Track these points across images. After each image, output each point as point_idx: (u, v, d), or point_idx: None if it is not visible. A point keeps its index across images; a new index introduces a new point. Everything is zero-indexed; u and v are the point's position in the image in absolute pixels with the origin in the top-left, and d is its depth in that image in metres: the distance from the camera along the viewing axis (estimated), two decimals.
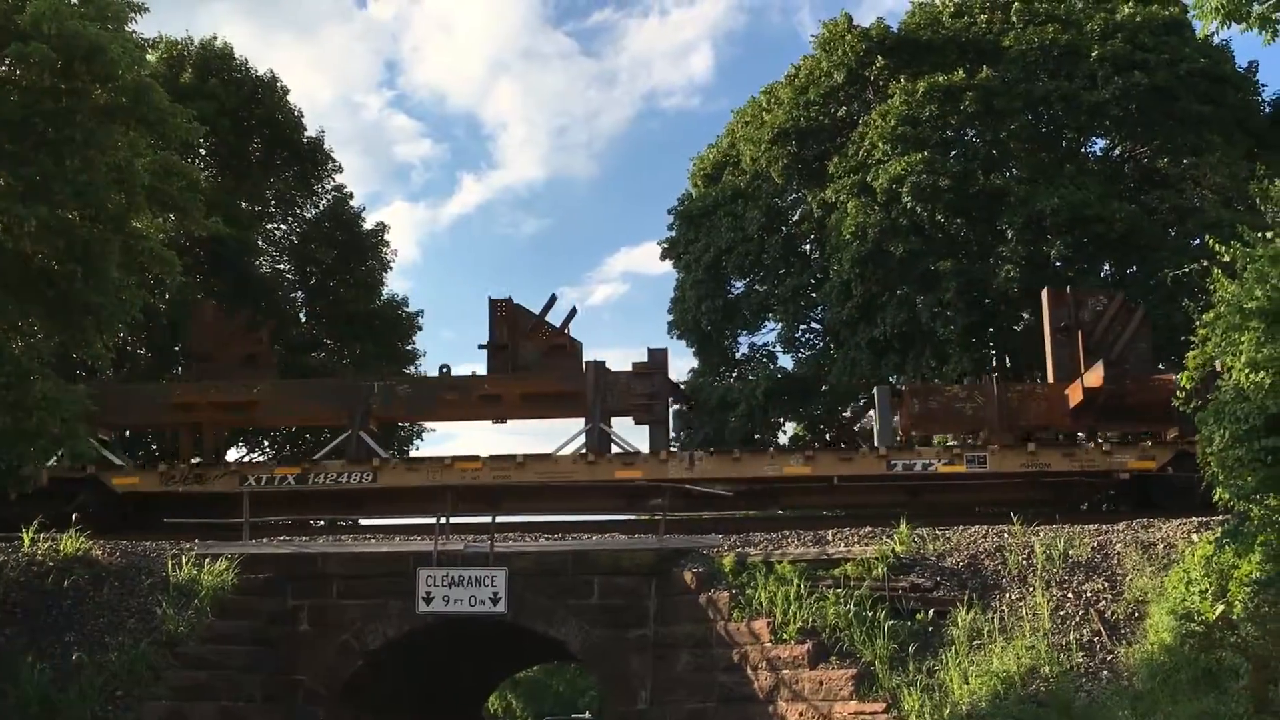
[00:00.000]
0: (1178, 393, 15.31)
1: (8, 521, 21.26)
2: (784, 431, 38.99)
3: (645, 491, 23.90)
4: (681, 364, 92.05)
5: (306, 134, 39.64)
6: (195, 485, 23.75)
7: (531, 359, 25.38)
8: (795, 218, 37.73)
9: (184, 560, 18.59)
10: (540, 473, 23.58)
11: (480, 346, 25.70)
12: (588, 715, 60.22)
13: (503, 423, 26.50)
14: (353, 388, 25.50)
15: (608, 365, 24.87)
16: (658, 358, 25.42)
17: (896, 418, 24.46)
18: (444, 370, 25.70)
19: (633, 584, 18.79)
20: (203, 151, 35.08)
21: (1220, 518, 16.17)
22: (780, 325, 38.99)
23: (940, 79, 32.64)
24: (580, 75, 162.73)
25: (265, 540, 20.74)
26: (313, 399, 26.21)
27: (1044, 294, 25.35)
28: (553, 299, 26.09)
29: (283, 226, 40.19)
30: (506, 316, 25.66)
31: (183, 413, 25.53)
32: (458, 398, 25.26)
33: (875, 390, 25.24)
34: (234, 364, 25.84)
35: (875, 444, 23.88)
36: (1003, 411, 23.48)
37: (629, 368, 25.17)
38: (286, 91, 38.94)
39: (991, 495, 23.50)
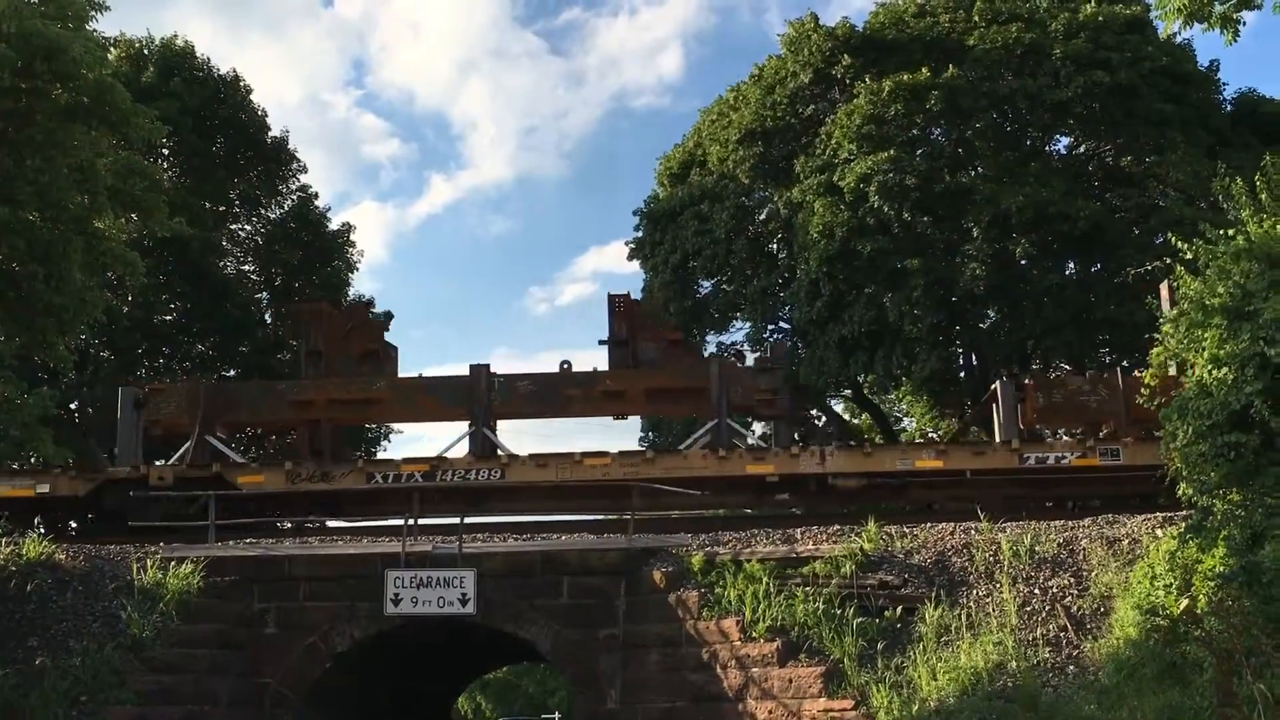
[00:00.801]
0: (1141, 390, 15.44)
1: (126, 519, 21.94)
2: (752, 432, 39.08)
3: (773, 486, 23.88)
4: None
5: (271, 133, 39.44)
6: (321, 483, 23.74)
7: (652, 354, 25.33)
8: (762, 217, 37.76)
9: (148, 563, 18.43)
10: (669, 468, 23.54)
11: (600, 342, 25.90)
12: (557, 716, 60.06)
13: (624, 418, 26.65)
14: (474, 384, 25.41)
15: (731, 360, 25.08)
16: (779, 351, 25.47)
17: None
18: (565, 366, 25.69)
19: (602, 584, 18.77)
20: (165, 151, 34.84)
21: (1184, 513, 16.29)
22: (748, 325, 39.07)
23: (905, 78, 32.74)
24: (549, 75, 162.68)
25: (231, 543, 20.62)
26: (432, 395, 26.12)
27: (1163, 287, 25.30)
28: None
29: (247, 227, 39.98)
30: (625, 312, 25.66)
31: (301, 410, 25.61)
32: (580, 393, 25.41)
33: (999, 384, 25.15)
34: (351, 360, 25.83)
35: (1003, 438, 23.84)
36: (1128, 404, 23.29)
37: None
38: (250, 91, 38.76)
39: (1122, 489, 23.48)
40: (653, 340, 25.54)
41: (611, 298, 26.09)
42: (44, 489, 23.50)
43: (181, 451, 24.94)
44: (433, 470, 23.96)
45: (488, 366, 25.59)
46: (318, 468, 24.27)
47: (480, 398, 24.96)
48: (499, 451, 24.70)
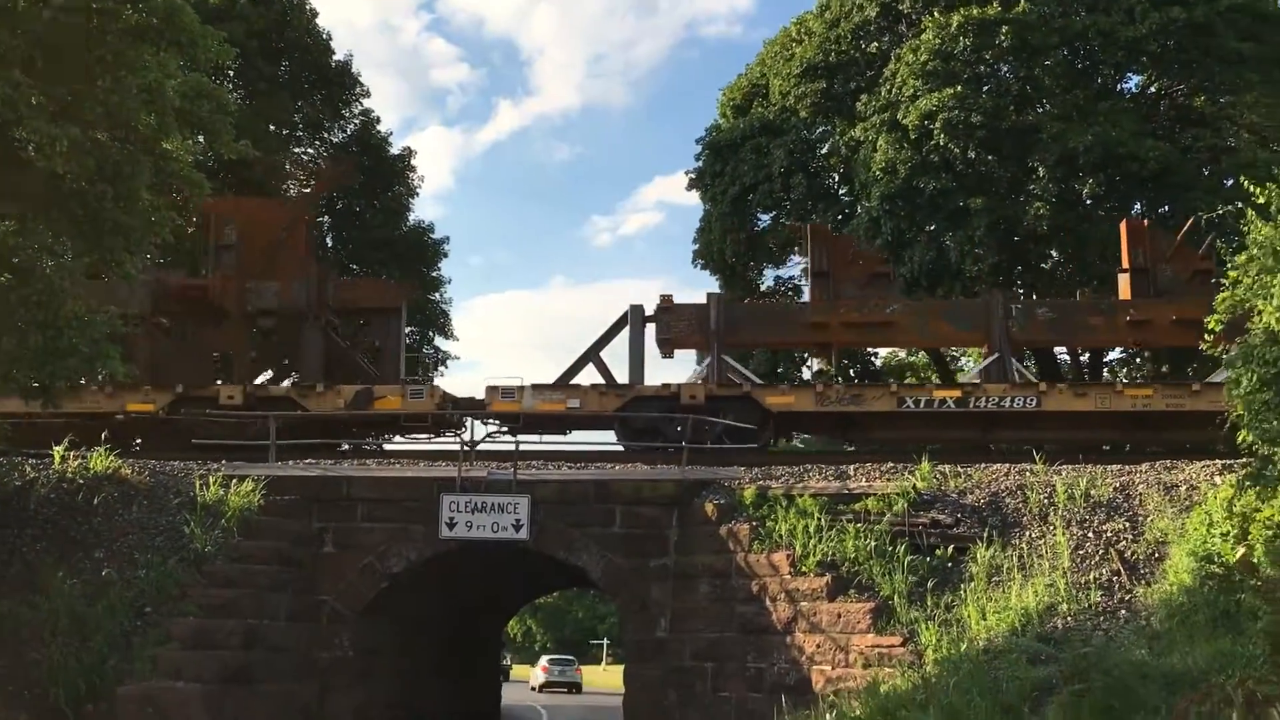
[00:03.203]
0: (1205, 335, 15.25)
1: (649, 435, 23.24)
2: (809, 366, 39.00)
3: None
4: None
5: (335, 57, 39.50)
6: (851, 405, 24.08)
7: (1172, 283, 25.13)
8: (823, 152, 37.45)
9: (211, 480, 18.79)
10: (1214, 401, 23.27)
11: (1120, 270, 25.69)
12: (605, 642, 60.83)
13: (1145, 349, 25.90)
14: (990, 309, 25.36)
15: None
16: None
17: None
18: (1083, 292, 25.14)
19: (654, 514, 18.93)
20: (230, 73, 35.00)
21: (1243, 460, 16.13)
22: (806, 260, 38.87)
23: (974, 12, 32.18)
24: (620, 2, 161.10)
25: (291, 463, 20.96)
26: (947, 320, 26.13)
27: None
28: (1194, 222, 25.80)
29: (309, 150, 40.19)
30: (1143, 239, 25.48)
31: (814, 332, 25.75)
32: (1103, 322, 25.21)
33: None
34: (857, 283, 25.81)
35: None
36: None
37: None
38: (315, 14, 38.79)
39: None
40: (1174, 268, 25.09)
41: (1128, 223, 25.79)
42: (574, 404, 24.22)
43: (700, 369, 25.28)
44: (965, 396, 23.99)
45: (1004, 291, 25.23)
46: (847, 389, 24.59)
47: (998, 323, 24.90)
48: (1024, 378, 24.81)
